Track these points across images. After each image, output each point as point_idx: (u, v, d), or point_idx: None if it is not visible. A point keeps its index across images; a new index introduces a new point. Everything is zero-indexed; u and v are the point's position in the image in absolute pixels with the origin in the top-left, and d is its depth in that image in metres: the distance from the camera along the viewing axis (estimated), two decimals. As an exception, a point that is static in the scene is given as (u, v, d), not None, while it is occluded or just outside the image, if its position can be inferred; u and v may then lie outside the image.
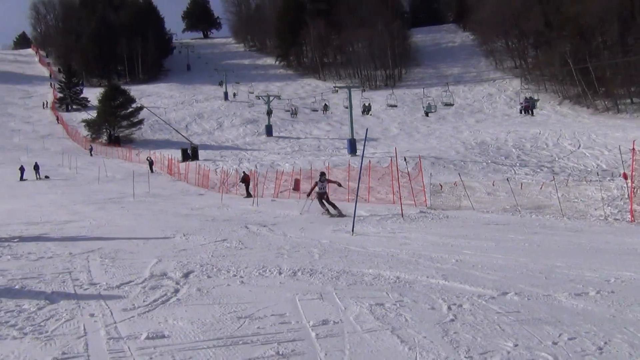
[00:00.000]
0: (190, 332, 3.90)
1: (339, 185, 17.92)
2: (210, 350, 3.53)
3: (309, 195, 17.35)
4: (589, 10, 67.99)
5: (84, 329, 4.01)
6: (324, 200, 16.51)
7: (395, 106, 54.33)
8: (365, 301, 4.70)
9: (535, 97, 63.45)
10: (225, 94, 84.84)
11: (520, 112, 56.70)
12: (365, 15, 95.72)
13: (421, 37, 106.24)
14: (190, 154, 51.84)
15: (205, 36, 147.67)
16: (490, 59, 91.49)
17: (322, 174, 17.64)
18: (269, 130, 65.11)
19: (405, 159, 23.45)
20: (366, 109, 56.89)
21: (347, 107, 50.00)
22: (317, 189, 16.82)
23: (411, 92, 73.63)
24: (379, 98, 73.61)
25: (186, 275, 6.01)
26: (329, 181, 17.78)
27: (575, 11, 69.54)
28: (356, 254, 7.82)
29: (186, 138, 60.94)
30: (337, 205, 16.53)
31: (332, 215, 15.72)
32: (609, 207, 17.64)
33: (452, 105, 51.83)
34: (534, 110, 52.65)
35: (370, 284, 5.53)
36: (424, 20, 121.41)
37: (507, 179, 24.53)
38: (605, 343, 3.52)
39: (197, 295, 5.08)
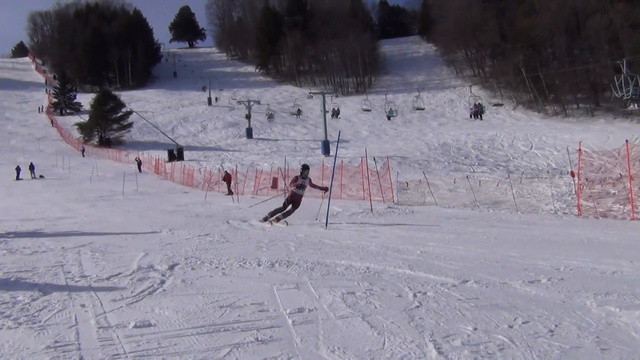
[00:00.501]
0: (175, 321, 3.85)
1: (325, 190, 12.75)
2: (193, 337, 3.48)
3: (292, 185, 12.49)
4: (540, 24, 69.27)
5: (75, 319, 3.93)
6: (290, 205, 12.24)
7: (369, 110, 54.62)
8: (337, 290, 4.68)
9: (501, 103, 64.47)
10: (209, 99, 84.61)
11: (471, 117, 57.19)
12: (338, 27, 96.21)
13: (389, 47, 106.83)
14: (176, 154, 51.62)
15: (191, 46, 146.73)
16: (452, 68, 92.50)
17: (305, 167, 12.75)
18: (249, 133, 65.04)
19: (374, 159, 23.55)
20: (335, 113, 57.07)
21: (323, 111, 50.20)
22: (294, 186, 12.37)
23: (379, 98, 73.88)
24: (350, 103, 73.87)
25: (171, 268, 5.92)
26: (312, 184, 12.91)
27: (527, 25, 70.72)
28: (329, 247, 7.81)
29: (172, 140, 60.52)
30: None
31: (268, 222, 11.89)
32: (559, 202, 17.87)
33: (422, 109, 52.41)
34: (482, 115, 53.45)
35: (342, 274, 5.51)
36: (391, 32, 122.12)
37: (467, 177, 24.72)
38: (556, 326, 3.55)
39: (181, 286, 5.02)
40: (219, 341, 3.40)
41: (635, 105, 27.40)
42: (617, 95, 27.11)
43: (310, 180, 12.81)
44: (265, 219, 11.98)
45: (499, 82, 77.45)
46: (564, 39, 69.14)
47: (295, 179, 12.49)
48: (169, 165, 45.01)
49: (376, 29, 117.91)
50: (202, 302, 4.37)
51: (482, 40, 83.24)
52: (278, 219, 11.96)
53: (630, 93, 25.36)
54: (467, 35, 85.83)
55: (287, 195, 12.65)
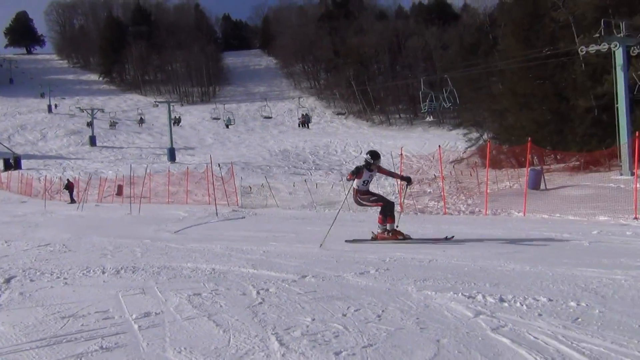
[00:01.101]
0: (12, 336, 3.49)
1: (409, 182, 8.97)
2: (33, 351, 3.18)
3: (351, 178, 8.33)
4: (367, 43, 74.03)
5: None
6: (363, 201, 8.41)
7: (219, 119, 53.94)
8: (184, 292, 4.56)
9: (343, 112, 67.50)
10: (49, 106, 78.19)
11: (299, 126, 58.69)
12: (182, 38, 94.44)
13: (232, 59, 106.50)
14: (12, 163, 47.13)
15: (29, 52, 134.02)
16: (291, 80, 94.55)
17: (376, 155, 8.25)
18: (92, 141, 61.18)
19: (219, 165, 23.34)
20: (177, 121, 55.63)
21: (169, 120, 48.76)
22: (359, 183, 8.25)
23: (223, 107, 73.53)
24: (195, 112, 72.49)
25: (8, 281, 5.37)
26: (388, 171, 9.33)
27: (356, 43, 75.02)
28: (176, 251, 7.60)
29: (8, 148, 55.03)
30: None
31: (390, 237, 8.20)
32: (385, 201, 18.99)
33: (270, 117, 52.85)
34: (309, 124, 55.37)
35: (188, 277, 5.38)
36: (234, 45, 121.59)
37: (305, 181, 25.44)
38: (383, 311, 3.75)
39: (19, 299, 4.57)
40: (61, 353, 3.15)
41: (431, 117, 30.49)
42: (422, 108, 29.91)
43: (382, 168, 8.48)
44: (385, 231, 8.32)
45: (333, 94, 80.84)
46: (388, 57, 74.74)
47: (359, 173, 8.16)
48: (4, 174, 40.97)
49: (220, 41, 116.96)
50: (42, 314, 4.02)
51: (318, 55, 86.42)
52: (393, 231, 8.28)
53: (426, 107, 28.13)
54: (304, 50, 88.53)
55: (363, 199, 8.43)
